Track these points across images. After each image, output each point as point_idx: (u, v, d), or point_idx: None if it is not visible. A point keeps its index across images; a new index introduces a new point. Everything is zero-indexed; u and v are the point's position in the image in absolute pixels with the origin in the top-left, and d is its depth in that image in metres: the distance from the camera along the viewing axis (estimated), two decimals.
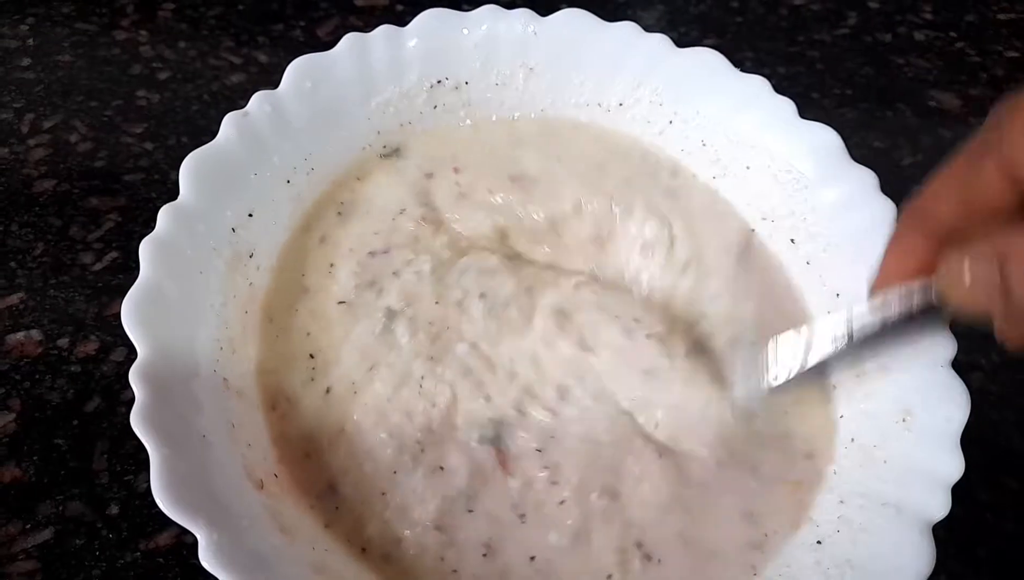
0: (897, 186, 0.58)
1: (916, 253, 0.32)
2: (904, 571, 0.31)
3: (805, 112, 0.63)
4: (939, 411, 0.34)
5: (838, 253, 0.41)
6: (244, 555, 0.28)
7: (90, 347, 0.47)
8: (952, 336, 0.36)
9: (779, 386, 0.35)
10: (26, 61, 0.61)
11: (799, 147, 0.43)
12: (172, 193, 0.38)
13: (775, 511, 0.35)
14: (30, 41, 0.62)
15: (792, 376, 0.35)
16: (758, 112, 0.44)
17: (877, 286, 0.33)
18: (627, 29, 0.46)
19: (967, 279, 0.28)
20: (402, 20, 0.66)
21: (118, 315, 0.47)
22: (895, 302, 0.32)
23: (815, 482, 0.36)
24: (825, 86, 0.65)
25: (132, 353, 0.33)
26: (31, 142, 0.56)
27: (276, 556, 0.30)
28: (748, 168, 0.45)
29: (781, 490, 0.36)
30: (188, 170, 0.37)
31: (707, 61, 0.45)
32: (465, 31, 0.45)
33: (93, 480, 0.42)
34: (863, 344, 0.33)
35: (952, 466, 0.33)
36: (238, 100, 0.59)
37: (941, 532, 0.42)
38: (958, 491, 0.44)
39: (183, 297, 0.35)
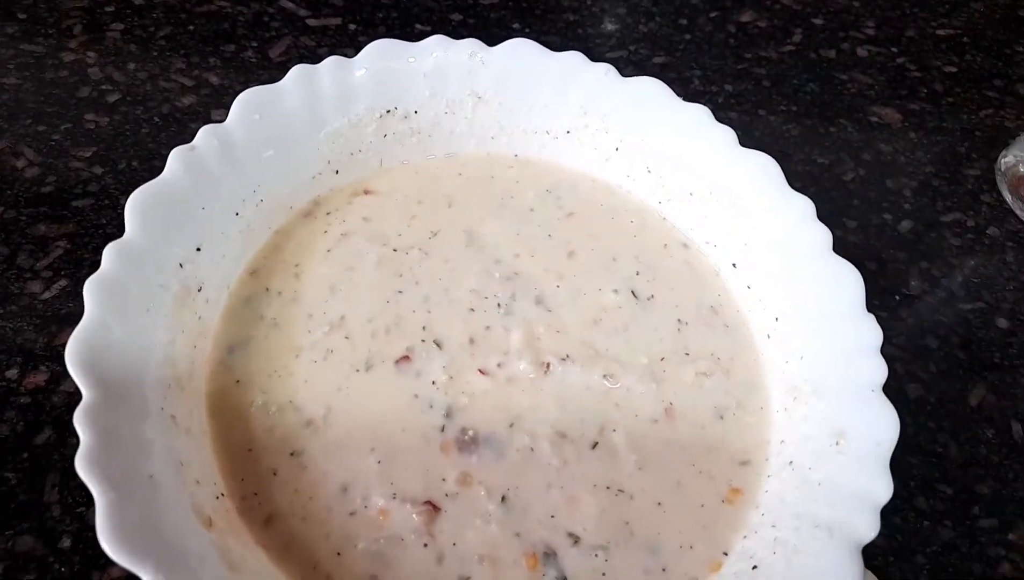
0: (840, 201, 0.60)
1: None
2: None
3: (752, 128, 0.65)
4: (870, 435, 0.36)
5: (777, 278, 0.42)
6: None
7: (40, 378, 0.46)
8: (883, 361, 0.38)
9: None
10: None
11: (739, 175, 0.44)
12: (122, 219, 0.38)
13: (711, 535, 0.37)
14: None
15: None
16: (700, 140, 0.45)
17: None
18: (573, 59, 0.47)
19: None
20: (355, 40, 0.67)
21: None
22: None
23: (754, 492, 0.38)
24: (771, 103, 0.67)
25: None
26: None
27: None
28: (691, 194, 0.46)
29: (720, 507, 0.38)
30: (133, 207, 0.37)
31: (651, 90, 0.46)
32: (413, 60, 0.46)
33: (44, 513, 0.42)
34: None
35: (881, 489, 0.34)
36: (189, 123, 0.59)
37: (881, 540, 0.44)
38: (897, 499, 0.46)
39: (129, 336, 0.35)
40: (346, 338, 0.42)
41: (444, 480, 0.37)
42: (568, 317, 0.43)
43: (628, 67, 0.68)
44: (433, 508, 0.37)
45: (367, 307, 0.43)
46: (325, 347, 0.42)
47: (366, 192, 0.48)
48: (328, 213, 0.47)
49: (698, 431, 0.40)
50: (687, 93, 0.66)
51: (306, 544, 0.36)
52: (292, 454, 0.38)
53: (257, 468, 0.38)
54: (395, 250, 0.45)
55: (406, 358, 0.41)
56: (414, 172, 0.49)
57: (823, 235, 0.41)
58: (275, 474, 0.38)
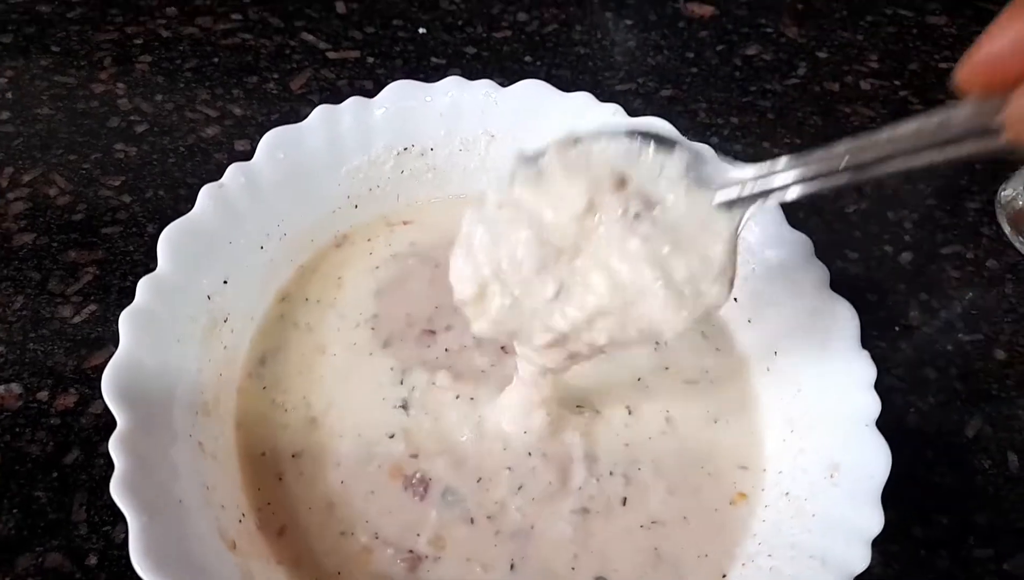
0: (842, 233, 0.62)
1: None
2: None
3: (757, 161, 0.66)
4: (863, 469, 0.37)
5: (776, 313, 0.44)
6: None
7: (69, 400, 0.49)
8: (876, 396, 0.40)
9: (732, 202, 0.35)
10: (5, 115, 0.63)
11: None
12: (150, 245, 0.40)
13: (723, 541, 0.39)
14: (9, 95, 0.64)
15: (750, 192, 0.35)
16: None
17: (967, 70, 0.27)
18: (582, 99, 0.49)
19: None
20: (373, 72, 0.69)
21: (97, 368, 0.49)
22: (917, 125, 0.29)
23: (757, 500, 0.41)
24: (776, 136, 0.68)
25: None
26: (11, 196, 0.58)
27: None
28: None
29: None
30: (166, 242, 0.40)
31: (657, 129, 0.48)
32: (429, 100, 0.48)
33: (72, 531, 0.44)
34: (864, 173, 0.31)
35: (872, 521, 0.36)
36: (213, 153, 0.62)
37: (878, 568, 0.45)
38: (895, 528, 0.47)
39: (160, 366, 0.37)
40: (372, 329, 0.45)
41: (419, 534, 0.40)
42: None
43: (636, 99, 0.70)
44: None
45: (411, 310, 0.47)
46: (350, 340, 0.45)
47: (404, 223, 0.51)
48: (369, 239, 0.50)
49: (696, 434, 0.43)
50: (693, 125, 0.68)
51: (314, 559, 0.38)
52: (293, 456, 0.41)
53: (268, 473, 0.40)
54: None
55: (430, 332, 0.45)
56: (445, 207, 0.51)
57: (820, 272, 0.43)
58: (280, 479, 0.40)
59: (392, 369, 0.44)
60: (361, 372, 0.44)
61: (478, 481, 0.40)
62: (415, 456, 0.41)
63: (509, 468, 0.41)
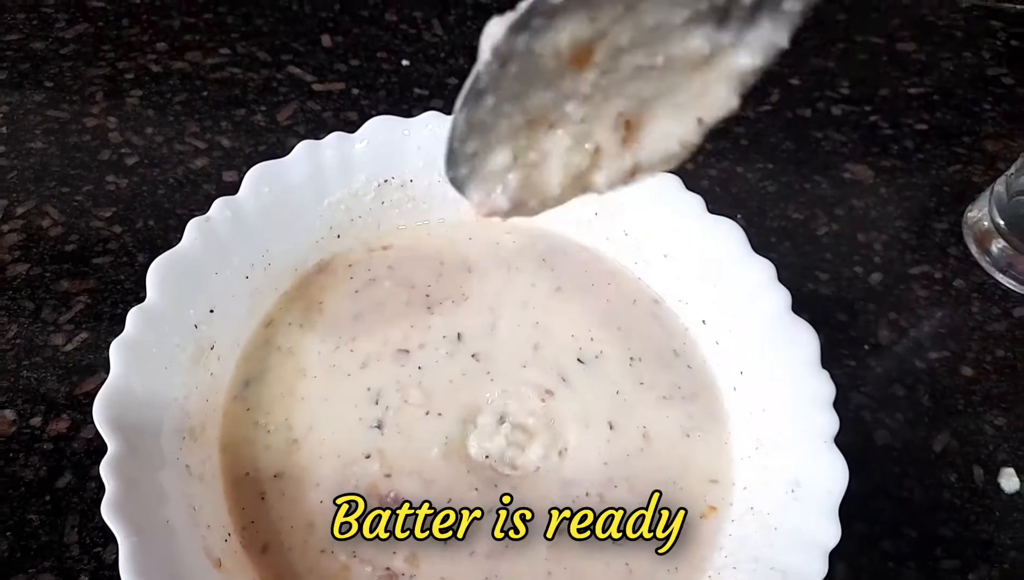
0: (813, 255, 0.64)
1: None
2: None
3: (730, 185, 0.69)
4: (822, 483, 0.39)
5: (742, 335, 0.46)
6: None
7: (61, 425, 0.50)
8: (835, 414, 0.41)
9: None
10: (0, 148, 0.65)
11: (707, 239, 0.48)
12: (140, 274, 0.42)
13: (690, 554, 0.40)
14: (4, 129, 0.66)
15: None
16: (672, 207, 0.49)
17: None
18: None
19: None
20: (357, 103, 0.71)
21: (88, 394, 0.51)
22: None
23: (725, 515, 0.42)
24: (749, 160, 0.71)
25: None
26: (5, 228, 0.60)
27: None
28: (665, 256, 0.50)
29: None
30: (155, 273, 0.41)
31: None
32: (408, 133, 0.50)
33: (64, 553, 0.45)
34: None
35: (830, 534, 0.37)
36: (202, 184, 0.63)
37: None
38: (864, 541, 0.49)
39: (149, 393, 0.39)
40: (351, 351, 0.47)
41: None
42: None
43: None
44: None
45: (387, 332, 0.48)
46: (330, 363, 0.46)
47: (384, 247, 0.52)
48: (350, 265, 0.51)
49: (669, 450, 0.45)
50: None
51: (296, 576, 0.39)
52: (275, 476, 0.42)
53: (251, 493, 0.42)
54: (427, 295, 0.50)
55: (404, 351, 0.47)
56: (425, 231, 0.53)
57: (782, 296, 0.45)
58: (263, 498, 0.41)
59: (369, 389, 0.46)
60: (340, 393, 0.45)
61: (448, 501, 0.42)
62: (388, 475, 0.42)
63: (476, 489, 0.42)
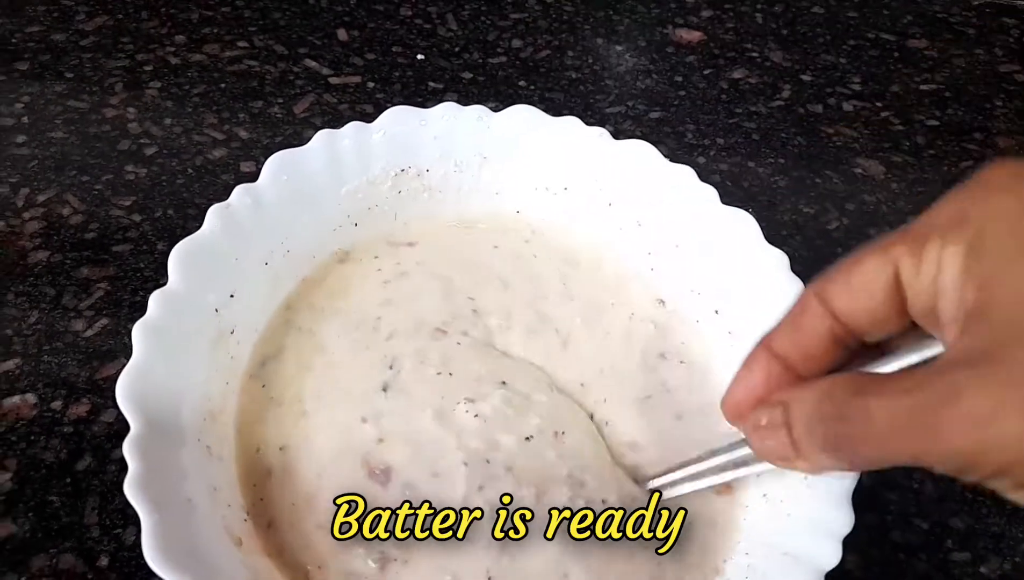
0: (824, 249, 0.64)
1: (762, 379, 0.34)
2: None
3: (742, 180, 0.69)
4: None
5: (755, 326, 0.46)
6: None
7: (82, 409, 0.51)
8: None
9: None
10: (21, 138, 0.66)
11: (720, 229, 0.48)
12: (159, 262, 0.42)
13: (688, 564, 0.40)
14: (25, 119, 0.67)
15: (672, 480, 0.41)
16: (685, 197, 0.49)
17: (726, 408, 0.35)
18: (569, 123, 0.52)
19: (763, 420, 0.32)
20: (373, 96, 0.72)
21: (108, 379, 0.52)
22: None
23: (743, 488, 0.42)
24: (760, 156, 0.71)
25: (121, 415, 0.37)
26: (26, 215, 0.60)
27: None
28: (677, 246, 0.50)
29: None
30: (176, 259, 0.42)
31: (641, 152, 0.50)
32: (425, 124, 0.51)
33: (84, 534, 0.46)
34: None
35: (843, 520, 0.38)
36: (220, 174, 0.64)
37: (859, 571, 0.47)
38: (875, 532, 0.49)
39: (170, 375, 0.39)
40: (374, 330, 0.47)
41: None
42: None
43: (626, 121, 0.72)
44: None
45: (417, 316, 0.48)
46: (351, 338, 0.46)
47: (409, 244, 0.52)
48: (376, 257, 0.51)
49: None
50: (681, 146, 0.71)
51: (294, 553, 0.39)
52: (281, 448, 0.42)
53: (261, 468, 0.42)
54: (460, 289, 0.50)
55: (442, 331, 0.47)
56: (447, 231, 0.53)
57: (795, 286, 0.45)
58: (270, 474, 0.42)
59: (385, 356, 0.45)
60: (356, 363, 0.45)
61: (435, 474, 0.41)
62: (381, 441, 0.42)
63: (465, 463, 0.41)
